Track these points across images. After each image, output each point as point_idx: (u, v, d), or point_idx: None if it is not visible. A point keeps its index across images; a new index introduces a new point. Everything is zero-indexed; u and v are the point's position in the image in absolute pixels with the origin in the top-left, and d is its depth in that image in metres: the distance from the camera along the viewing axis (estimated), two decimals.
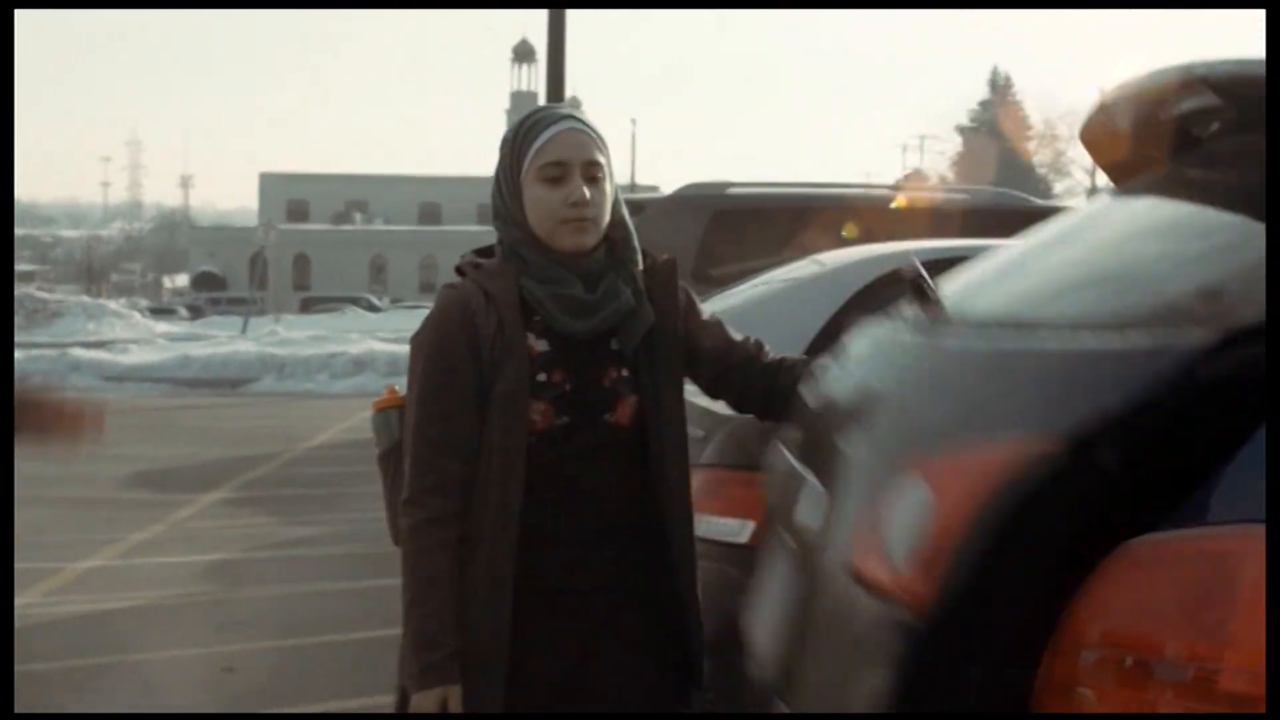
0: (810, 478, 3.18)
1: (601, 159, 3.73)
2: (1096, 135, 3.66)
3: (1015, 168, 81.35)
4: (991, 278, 3.47)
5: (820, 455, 3.21)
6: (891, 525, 2.57)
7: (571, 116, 3.76)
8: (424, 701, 3.60)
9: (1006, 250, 3.71)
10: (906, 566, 2.50)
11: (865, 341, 3.54)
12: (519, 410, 3.66)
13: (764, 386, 3.99)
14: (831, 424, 3.28)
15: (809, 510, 3.10)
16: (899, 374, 3.17)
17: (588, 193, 3.68)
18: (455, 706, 3.60)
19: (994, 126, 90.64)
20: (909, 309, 3.52)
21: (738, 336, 4.02)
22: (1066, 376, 2.60)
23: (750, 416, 4.14)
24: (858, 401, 3.21)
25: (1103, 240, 3.24)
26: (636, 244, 3.84)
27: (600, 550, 3.74)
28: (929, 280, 3.50)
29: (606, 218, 3.75)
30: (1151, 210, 3.27)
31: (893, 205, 11.64)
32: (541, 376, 3.70)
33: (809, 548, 3.05)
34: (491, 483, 3.66)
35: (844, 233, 11.11)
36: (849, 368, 3.46)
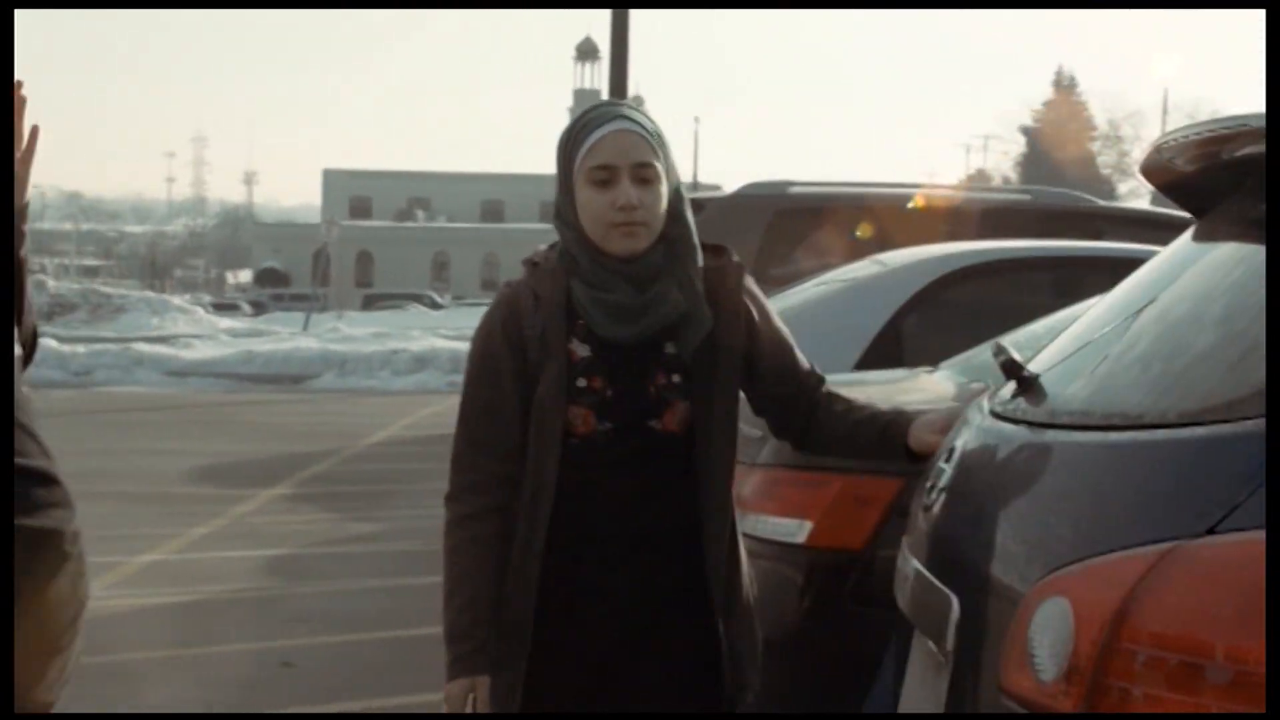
0: (942, 587, 3.16)
1: (653, 159, 3.67)
2: (1154, 171, 3.63)
3: (1079, 167, 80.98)
4: (1081, 355, 3.36)
5: (949, 565, 3.20)
6: (1033, 639, 2.57)
7: (623, 116, 3.71)
8: (453, 691, 3.69)
9: (1091, 316, 3.62)
10: (1052, 678, 2.50)
11: (972, 438, 3.47)
12: (553, 414, 3.69)
13: (805, 423, 3.96)
14: (956, 532, 3.26)
15: (946, 619, 3.08)
16: (1016, 479, 3.12)
17: (636, 196, 3.63)
18: (483, 697, 3.68)
19: (1056, 125, 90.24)
20: (1007, 393, 3.49)
21: (803, 364, 3.93)
22: (1186, 472, 2.56)
23: None
24: (980, 509, 3.18)
25: (1193, 309, 3.12)
26: (696, 243, 3.76)
27: (636, 554, 3.72)
28: (1022, 362, 3.48)
29: (660, 219, 3.69)
30: (1233, 265, 3.18)
31: (909, 205, 11.63)
32: (581, 382, 3.71)
33: (950, 656, 3.05)
34: (526, 484, 3.71)
35: (858, 233, 11.08)
36: (963, 469, 3.41)
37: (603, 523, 3.72)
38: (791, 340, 3.94)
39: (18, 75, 3.57)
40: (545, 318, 3.71)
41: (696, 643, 3.76)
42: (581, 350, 3.72)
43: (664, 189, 3.69)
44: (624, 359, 3.72)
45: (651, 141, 3.69)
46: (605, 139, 3.66)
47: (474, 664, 3.69)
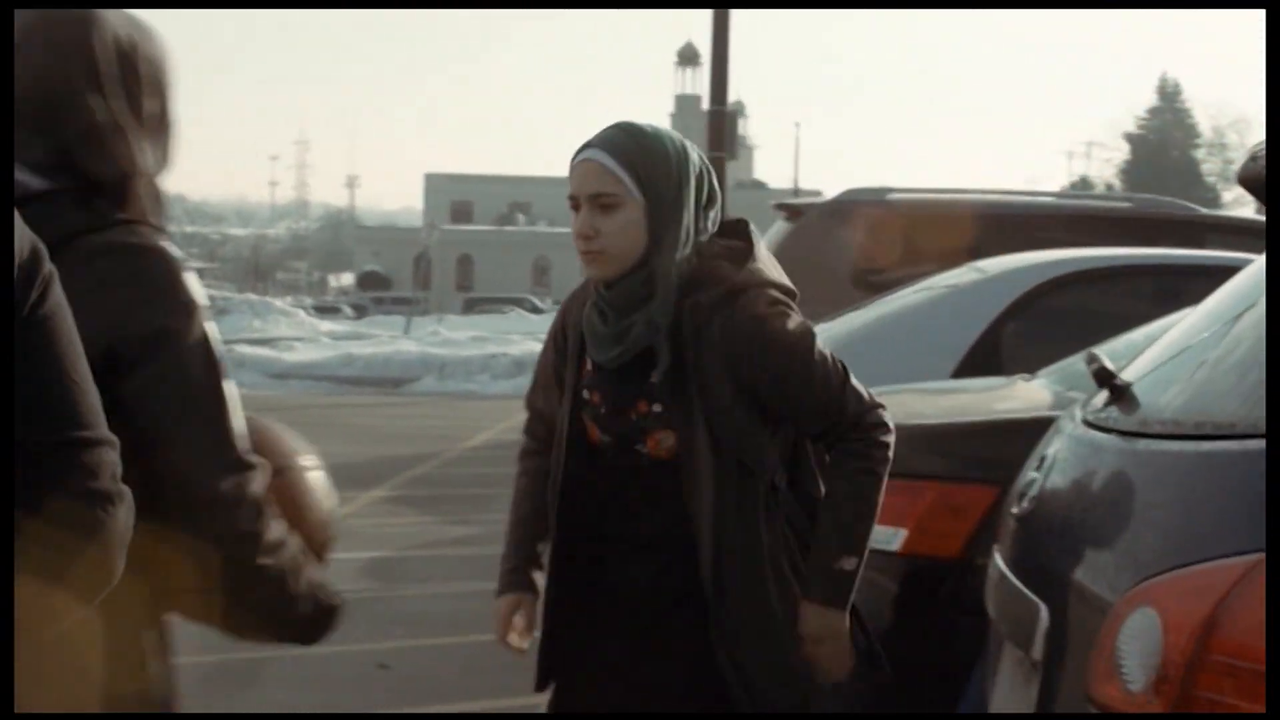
0: (1031, 595, 3.15)
1: (611, 188, 3.64)
2: (1251, 179, 3.61)
3: (1183, 174, 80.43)
4: (1175, 363, 3.34)
5: (1039, 573, 3.20)
6: (1122, 649, 2.56)
7: (593, 145, 3.70)
8: (498, 608, 3.98)
9: (1186, 324, 3.59)
10: (1140, 688, 2.50)
11: (1065, 447, 3.46)
12: (566, 417, 3.86)
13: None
14: (1046, 540, 3.25)
15: (1034, 627, 3.07)
16: (1107, 488, 3.12)
17: (590, 225, 3.65)
18: (528, 612, 3.97)
19: (1160, 132, 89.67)
20: (1099, 402, 3.48)
21: (821, 409, 3.72)
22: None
23: (910, 425, 3.98)
24: (1069, 518, 3.18)
25: None
26: (672, 274, 3.66)
27: (639, 556, 3.80)
28: (1114, 370, 3.47)
29: (627, 245, 3.66)
30: None
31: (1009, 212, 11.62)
32: (585, 394, 3.84)
33: (1039, 664, 3.05)
34: (550, 471, 3.95)
35: (956, 239, 11.02)
36: (1054, 477, 3.40)
37: (607, 524, 3.84)
38: (807, 381, 3.69)
39: None
40: (575, 328, 3.88)
41: (698, 646, 3.73)
42: (589, 365, 3.86)
43: (630, 215, 3.66)
44: (615, 381, 3.80)
45: (615, 169, 3.64)
46: (573, 170, 3.72)
47: (513, 581, 4.00)
